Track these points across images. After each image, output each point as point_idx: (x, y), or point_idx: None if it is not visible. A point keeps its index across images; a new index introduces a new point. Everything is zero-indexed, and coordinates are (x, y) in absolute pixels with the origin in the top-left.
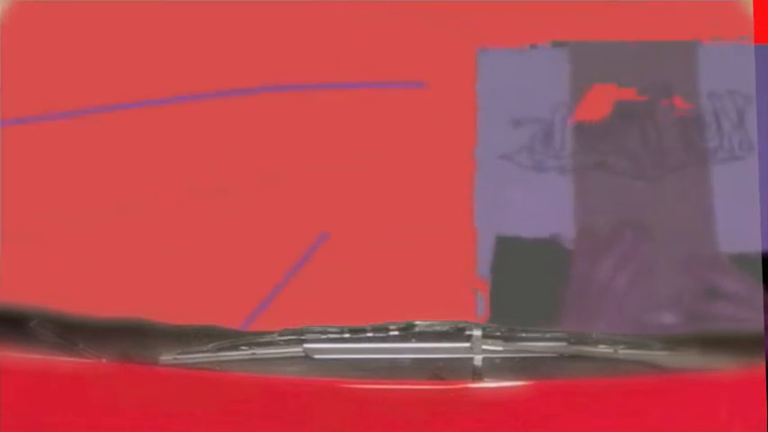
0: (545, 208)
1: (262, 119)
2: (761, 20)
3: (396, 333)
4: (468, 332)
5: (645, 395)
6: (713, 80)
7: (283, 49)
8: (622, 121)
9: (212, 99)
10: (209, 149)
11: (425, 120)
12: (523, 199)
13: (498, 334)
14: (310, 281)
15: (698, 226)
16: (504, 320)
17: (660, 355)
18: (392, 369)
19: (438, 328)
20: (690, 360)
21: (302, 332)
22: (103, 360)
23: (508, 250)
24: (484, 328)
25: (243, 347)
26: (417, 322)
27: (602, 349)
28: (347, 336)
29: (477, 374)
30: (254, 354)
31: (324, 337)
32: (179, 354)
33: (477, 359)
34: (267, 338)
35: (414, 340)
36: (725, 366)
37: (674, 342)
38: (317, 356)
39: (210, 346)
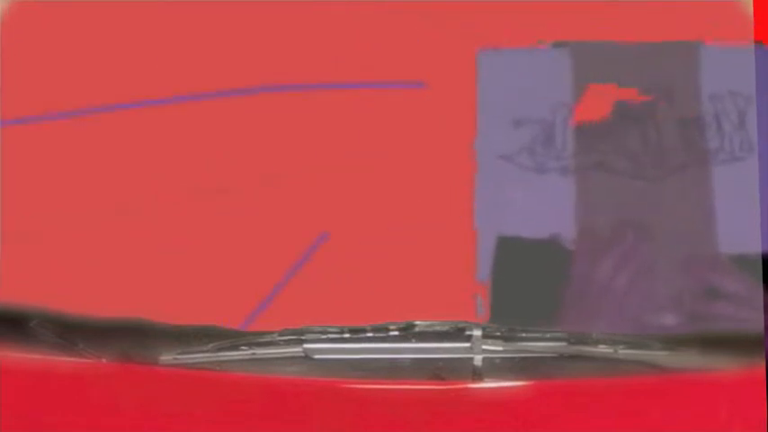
0: (545, 208)
1: (262, 119)
2: (761, 20)
3: (396, 333)
4: (468, 332)
5: (645, 395)
6: (713, 81)
7: (283, 49)
8: (622, 121)
9: (212, 99)
10: (209, 149)
11: (426, 120)
12: (524, 199)
13: (498, 334)
14: (310, 281)
15: (698, 226)
16: (505, 320)
17: (660, 355)
18: (392, 369)
19: (438, 329)
20: (690, 360)
21: (302, 332)
22: (103, 360)
23: (508, 250)
24: (484, 328)
25: (243, 347)
26: (417, 322)
27: (602, 349)
28: (347, 336)
29: (477, 374)
30: (254, 354)
31: (324, 337)
32: (179, 354)
33: (477, 359)
34: (267, 338)
35: (414, 340)
36: (725, 366)
37: (674, 342)
38: (316, 356)
39: (210, 346)
